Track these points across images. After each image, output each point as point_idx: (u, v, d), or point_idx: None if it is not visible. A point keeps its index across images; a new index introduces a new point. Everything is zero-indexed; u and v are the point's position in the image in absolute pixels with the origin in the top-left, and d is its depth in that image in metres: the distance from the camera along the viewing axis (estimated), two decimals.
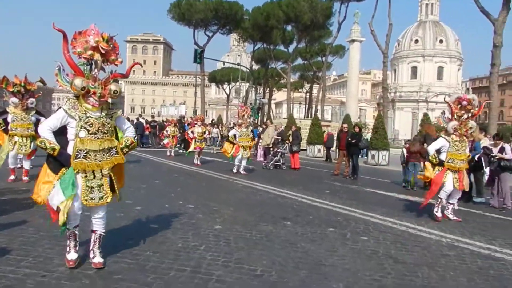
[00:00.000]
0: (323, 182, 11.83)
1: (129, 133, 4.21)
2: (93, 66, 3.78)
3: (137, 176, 10.32)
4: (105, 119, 3.88)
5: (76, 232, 3.98)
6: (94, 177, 3.86)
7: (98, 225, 4.07)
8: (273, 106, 78.92)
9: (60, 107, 3.88)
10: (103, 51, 3.71)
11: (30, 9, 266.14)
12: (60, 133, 3.81)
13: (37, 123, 8.34)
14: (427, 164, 7.29)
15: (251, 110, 33.78)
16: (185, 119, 33.08)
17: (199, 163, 14.40)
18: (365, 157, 19.61)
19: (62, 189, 3.64)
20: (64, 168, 3.76)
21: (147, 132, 23.82)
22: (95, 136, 3.80)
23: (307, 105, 61.55)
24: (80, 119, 3.74)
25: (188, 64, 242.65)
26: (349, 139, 12.94)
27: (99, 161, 3.83)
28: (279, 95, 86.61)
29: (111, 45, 3.75)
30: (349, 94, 70.11)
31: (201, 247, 4.82)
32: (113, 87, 3.85)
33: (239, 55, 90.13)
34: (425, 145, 8.34)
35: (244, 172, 12.41)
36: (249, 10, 44.25)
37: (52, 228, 5.20)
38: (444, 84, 76.20)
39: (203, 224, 5.90)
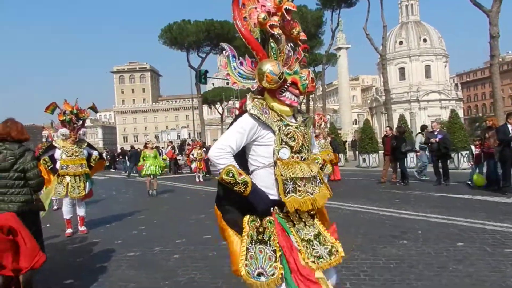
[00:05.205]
0: (377, 191, 11.06)
1: (316, 150, 2.83)
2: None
3: (195, 208, 9.71)
4: (303, 128, 2.50)
5: None
6: (305, 224, 2.45)
7: None
8: None
9: (241, 113, 2.47)
10: (288, 18, 2.36)
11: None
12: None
13: (89, 158, 7.27)
14: None
15: None
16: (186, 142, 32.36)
17: None
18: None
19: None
20: (248, 218, 2.37)
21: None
22: (301, 155, 2.42)
23: None
24: (279, 130, 2.38)
25: (176, 89, 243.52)
26: (394, 144, 12.26)
27: (311, 194, 2.42)
28: None
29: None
30: (342, 101, 70.28)
31: (346, 285, 4.03)
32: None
33: (228, 74, 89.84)
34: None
35: None
36: None
37: None
38: (433, 82, 76.69)
39: None
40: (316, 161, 2.64)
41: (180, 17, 62.25)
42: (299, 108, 2.67)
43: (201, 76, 25.32)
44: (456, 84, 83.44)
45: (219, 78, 65.79)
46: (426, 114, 71.81)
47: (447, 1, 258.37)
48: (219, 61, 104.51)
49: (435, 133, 11.71)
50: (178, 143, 38.52)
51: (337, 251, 2.46)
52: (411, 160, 18.54)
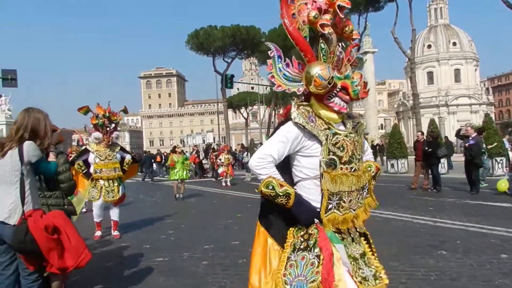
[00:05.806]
0: (409, 198, 10.73)
1: (369, 156, 2.58)
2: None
3: (222, 213, 9.62)
4: (353, 135, 2.29)
5: None
6: (353, 240, 2.27)
7: None
8: None
9: (284, 120, 2.28)
10: (341, 15, 2.17)
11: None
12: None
13: (122, 161, 7.20)
14: None
15: None
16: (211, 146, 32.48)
17: None
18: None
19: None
20: (294, 229, 2.25)
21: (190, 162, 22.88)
22: (350, 166, 2.20)
23: None
24: (327, 140, 2.17)
25: (201, 93, 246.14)
26: (427, 148, 11.87)
27: (354, 210, 2.23)
28: None
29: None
30: (368, 106, 69.44)
31: None
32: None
33: (252, 79, 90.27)
34: None
35: None
36: (265, 33, 43.94)
37: None
38: (463, 86, 74.76)
39: None
40: (369, 168, 2.42)
41: (206, 23, 63.09)
42: (349, 112, 2.43)
43: (227, 81, 25.41)
44: (487, 88, 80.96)
45: (245, 83, 66.46)
46: (456, 119, 69.95)
47: (477, 3, 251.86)
48: (244, 66, 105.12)
49: (470, 138, 11.28)
50: (203, 147, 38.74)
51: (381, 277, 2.23)
52: (441, 166, 18.03)
